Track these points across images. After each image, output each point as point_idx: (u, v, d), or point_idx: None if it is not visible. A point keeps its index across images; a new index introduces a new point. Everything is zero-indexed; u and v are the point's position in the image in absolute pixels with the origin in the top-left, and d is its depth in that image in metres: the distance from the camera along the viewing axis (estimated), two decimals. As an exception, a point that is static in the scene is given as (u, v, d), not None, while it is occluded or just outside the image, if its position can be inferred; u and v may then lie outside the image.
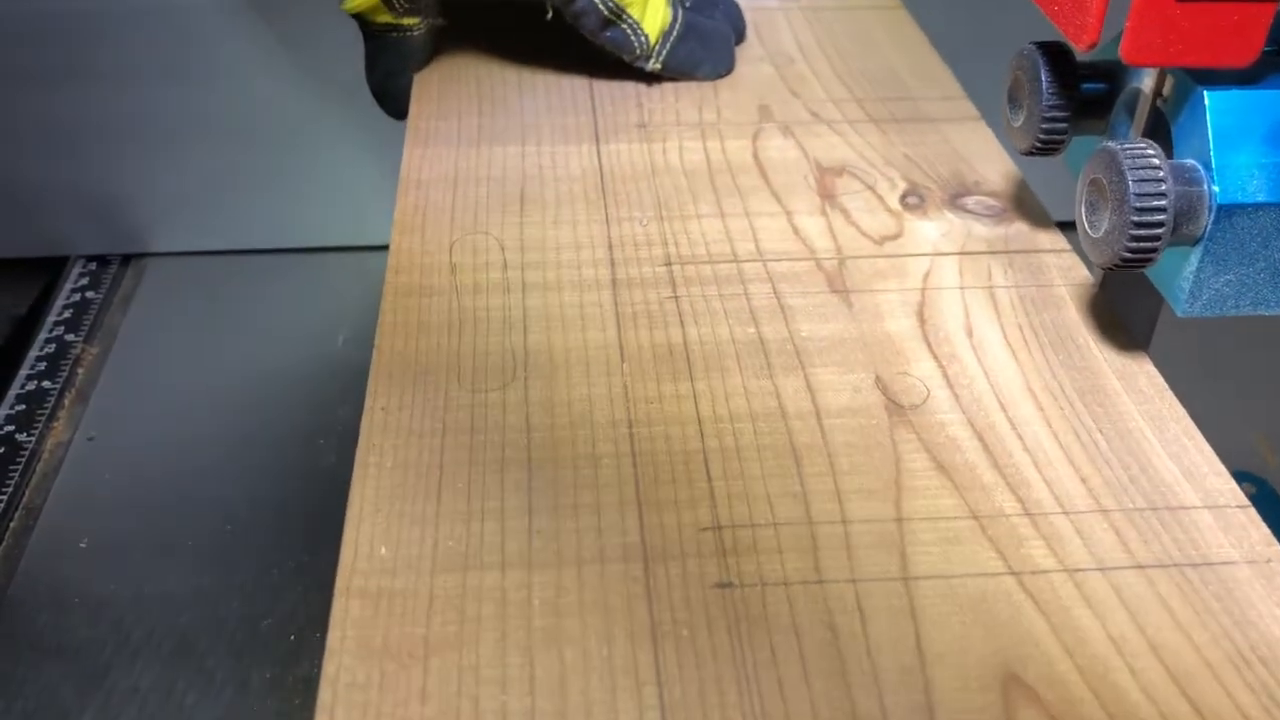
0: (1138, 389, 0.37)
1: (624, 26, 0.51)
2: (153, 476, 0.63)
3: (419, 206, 0.45)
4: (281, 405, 0.66)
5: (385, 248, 0.42)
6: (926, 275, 0.42)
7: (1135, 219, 0.31)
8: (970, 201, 0.45)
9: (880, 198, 0.46)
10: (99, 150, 0.82)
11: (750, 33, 0.59)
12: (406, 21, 0.53)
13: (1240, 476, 0.59)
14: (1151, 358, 0.38)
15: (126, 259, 0.87)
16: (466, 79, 0.55)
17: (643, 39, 0.52)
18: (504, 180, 0.47)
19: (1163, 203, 0.31)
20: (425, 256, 0.42)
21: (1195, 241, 0.32)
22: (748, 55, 0.57)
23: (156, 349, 0.75)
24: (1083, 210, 0.34)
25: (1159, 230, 0.31)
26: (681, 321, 0.39)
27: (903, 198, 0.46)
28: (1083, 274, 0.42)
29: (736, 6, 0.59)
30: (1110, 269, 0.33)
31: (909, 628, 0.29)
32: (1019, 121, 0.38)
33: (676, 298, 0.40)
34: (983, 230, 0.44)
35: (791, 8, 0.62)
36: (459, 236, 0.43)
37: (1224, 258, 0.32)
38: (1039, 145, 0.37)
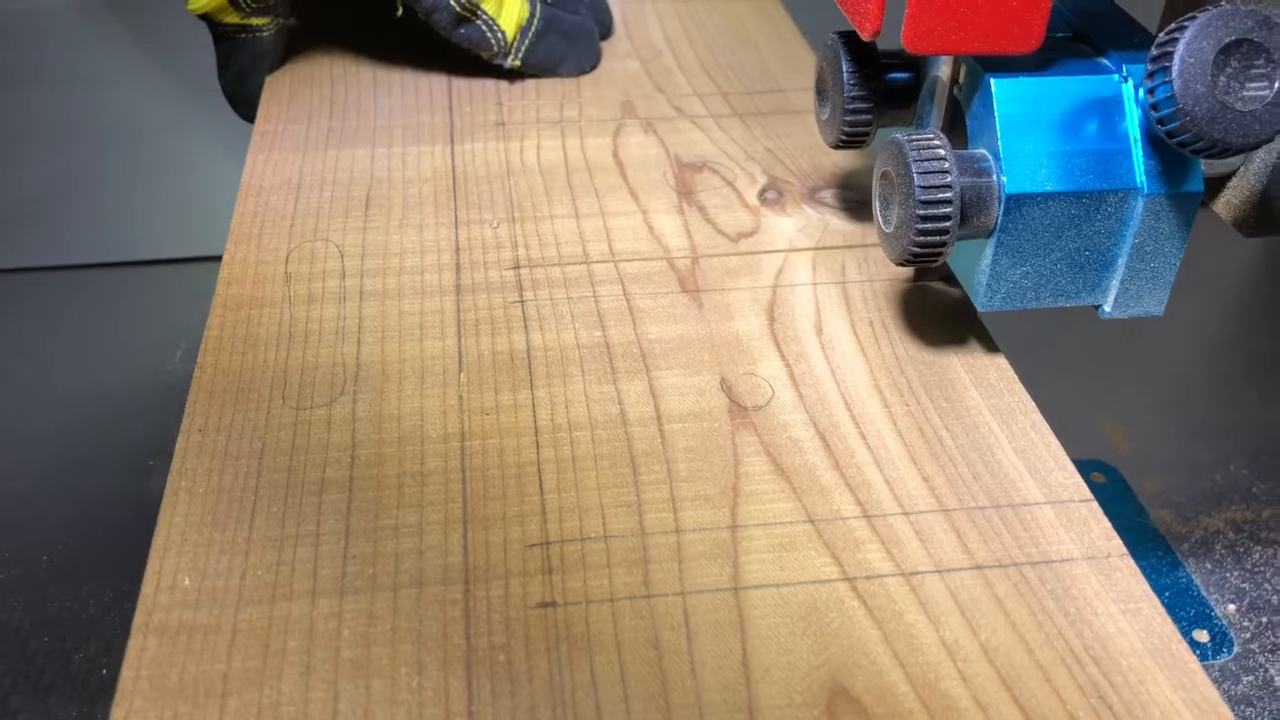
0: (987, 382, 0.36)
1: (479, 23, 0.50)
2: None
3: (257, 214, 0.43)
4: (112, 426, 0.63)
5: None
6: (779, 272, 0.41)
7: (920, 212, 0.29)
8: (828, 195, 0.45)
9: (739, 194, 0.45)
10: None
11: (618, 26, 0.58)
12: (255, 21, 0.51)
13: (1091, 465, 0.60)
14: (1007, 348, 0.38)
15: (-36, 276, 0.80)
16: (320, 80, 0.53)
17: (500, 35, 0.50)
18: (350, 184, 0.45)
19: (948, 194, 0.29)
20: (260, 266, 0.40)
21: (989, 233, 0.31)
22: (614, 50, 0.56)
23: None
24: (877, 205, 0.32)
25: (946, 224, 0.30)
26: (526, 327, 0.38)
27: (761, 193, 0.45)
28: (938, 266, 0.41)
29: (603, 0, 0.58)
30: (903, 264, 0.32)
31: (736, 642, 0.28)
32: (825, 114, 0.37)
33: (523, 302, 0.39)
34: (839, 224, 0.43)
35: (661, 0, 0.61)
36: (297, 244, 0.41)
37: (1018, 249, 0.31)
38: (844, 138, 0.36)
